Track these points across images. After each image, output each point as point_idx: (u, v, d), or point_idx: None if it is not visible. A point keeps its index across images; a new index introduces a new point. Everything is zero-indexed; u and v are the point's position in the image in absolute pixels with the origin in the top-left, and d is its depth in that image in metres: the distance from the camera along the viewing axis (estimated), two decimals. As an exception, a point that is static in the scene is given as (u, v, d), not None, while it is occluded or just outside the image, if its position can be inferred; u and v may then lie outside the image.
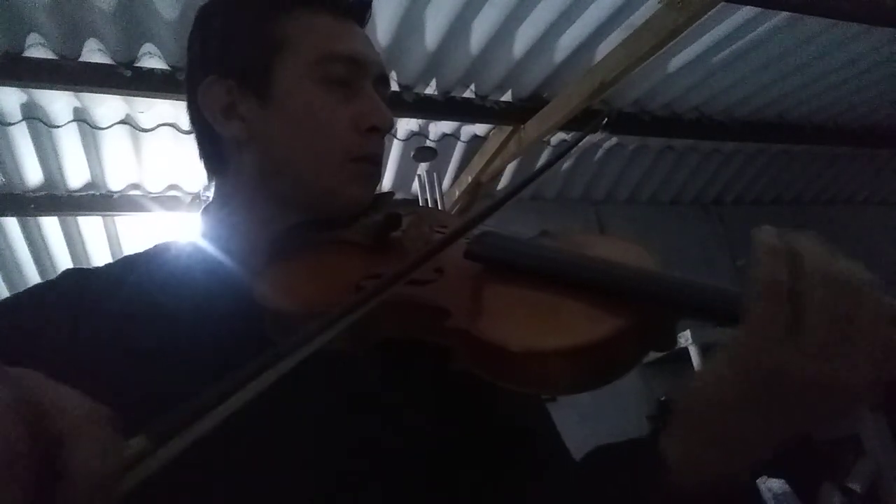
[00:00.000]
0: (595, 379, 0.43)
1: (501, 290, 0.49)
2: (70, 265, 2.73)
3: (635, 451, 0.48)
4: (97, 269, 0.63)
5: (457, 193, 2.97)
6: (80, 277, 0.61)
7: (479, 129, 2.74)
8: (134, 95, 2.04)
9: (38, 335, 0.53)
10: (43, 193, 2.45)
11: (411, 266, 0.45)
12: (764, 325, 0.37)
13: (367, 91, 0.63)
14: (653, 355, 0.48)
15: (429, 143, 2.73)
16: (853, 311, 0.37)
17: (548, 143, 2.92)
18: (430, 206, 2.63)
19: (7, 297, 0.60)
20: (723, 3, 1.97)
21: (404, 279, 0.44)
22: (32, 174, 2.37)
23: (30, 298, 0.58)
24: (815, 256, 0.38)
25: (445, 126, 2.69)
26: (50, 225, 2.62)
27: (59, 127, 2.19)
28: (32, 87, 1.98)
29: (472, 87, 2.46)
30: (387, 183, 2.91)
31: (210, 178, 0.68)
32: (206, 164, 0.68)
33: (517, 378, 0.43)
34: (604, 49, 2.28)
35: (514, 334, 0.43)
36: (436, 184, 2.70)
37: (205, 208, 0.68)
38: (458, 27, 2.12)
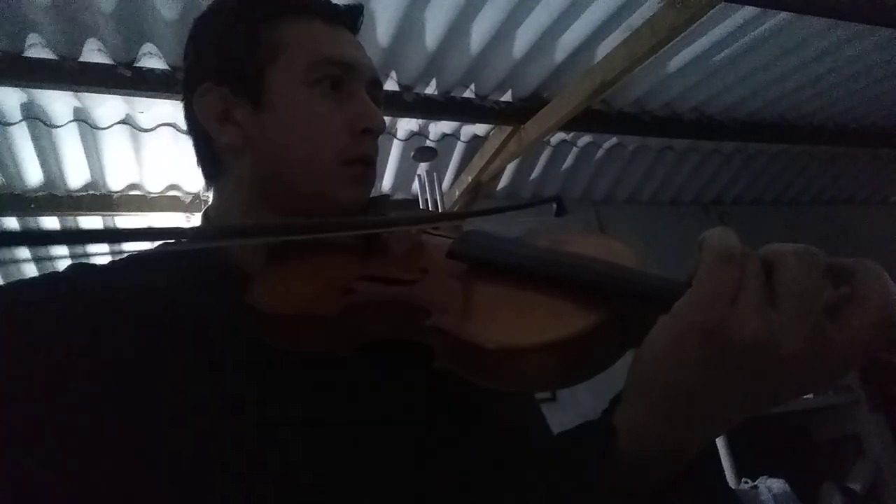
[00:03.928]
0: (572, 375, 0.43)
1: (482, 288, 0.50)
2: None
3: (590, 426, 0.48)
4: (104, 266, 0.63)
5: (457, 193, 2.97)
6: (88, 273, 0.61)
7: (479, 129, 2.74)
8: (134, 95, 2.04)
9: (42, 330, 0.53)
10: (43, 193, 2.45)
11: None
12: (713, 285, 0.39)
13: (360, 94, 0.65)
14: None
15: (429, 143, 2.73)
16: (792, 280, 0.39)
17: (548, 143, 2.93)
18: (430, 206, 2.63)
19: (17, 282, 0.59)
20: (723, 3, 1.97)
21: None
22: (32, 174, 2.37)
23: (39, 286, 0.58)
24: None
25: (445, 126, 2.69)
26: (50, 225, 2.62)
27: (59, 127, 2.19)
28: (32, 87, 1.98)
29: (472, 87, 2.46)
30: (387, 183, 2.91)
31: (208, 184, 0.69)
32: (203, 169, 0.69)
33: (494, 375, 0.44)
34: (604, 49, 2.28)
35: (490, 332, 0.44)
36: (436, 184, 2.71)
37: (205, 211, 0.69)
38: (458, 27, 2.12)
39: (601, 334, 0.43)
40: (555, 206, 0.55)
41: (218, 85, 0.63)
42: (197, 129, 0.66)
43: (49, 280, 0.58)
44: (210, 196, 0.69)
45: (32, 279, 0.58)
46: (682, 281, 0.42)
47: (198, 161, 0.69)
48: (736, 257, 0.39)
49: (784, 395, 0.41)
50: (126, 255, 0.65)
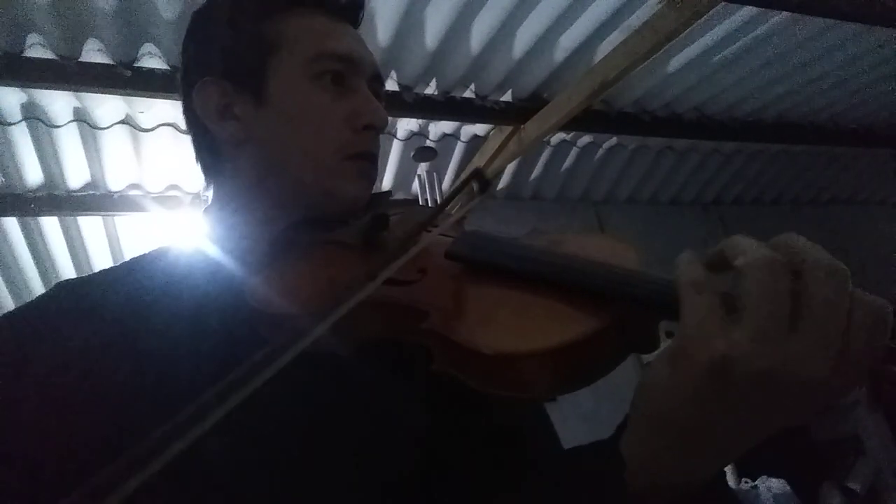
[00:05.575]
0: (572, 381, 0.42)
1: (480, 291, 0.48)
2: (70, 265, 2.73)
3: (598, 452, 0.46)
4: (93, 276, 0.63)
5: (457, 193, 2.97)
6: (74, 287, 0.60)
7: (479, 129, 2.74)
8: (134, 95, 2.04)
9: (35, 351, 0.53)
10: (43, 193, 2.45)
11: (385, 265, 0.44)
12: (696, 317, 0.35)
13: (362, 89, 0.64)
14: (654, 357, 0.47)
15: (429, 143, 2.73)
16: (799, 295, 0.34)
17: (548, 143, 2.93)
18: (429, 206, 2.63)
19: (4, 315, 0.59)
20: (723, 3, 1.97)
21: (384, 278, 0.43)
22: (32, 174, 2.37)
23: (26, 315, 0.58)
24: (746, 247, 0.37)
25: (445, 126, 2.69)
26: (50, 225, 2.61)
27: (59, 127, 2.19)
28: (32, 87, 1.98)
29: (472, 87, 2.46)
30: (387, 183, 2.91)
31: (207, 181, 0.68)
32: (202, 166, 0.68)
33: (492, 381, 0.42)
34: (604, 49, 2.28)
35: (488, 337, 0.42)
36: (436, 184, 2.71)
37: (206, 209, 0.68)
38: (458, 27, 2.12)
39: (602, 339, 0.41)
40: (475, 184, 0.54)
41: (218, 79, 0.63)
42: (196, 124, 0.65)
43: (36, 303, 0.58)
44: (210, 195, 0.69)
45: (22, 307, 0.58)
46: None
47: (196, 157, 0.68)
48: (703, 284, 0.36)
49: (799, 417, 0.38)
50: (124, 261, 0.65)
